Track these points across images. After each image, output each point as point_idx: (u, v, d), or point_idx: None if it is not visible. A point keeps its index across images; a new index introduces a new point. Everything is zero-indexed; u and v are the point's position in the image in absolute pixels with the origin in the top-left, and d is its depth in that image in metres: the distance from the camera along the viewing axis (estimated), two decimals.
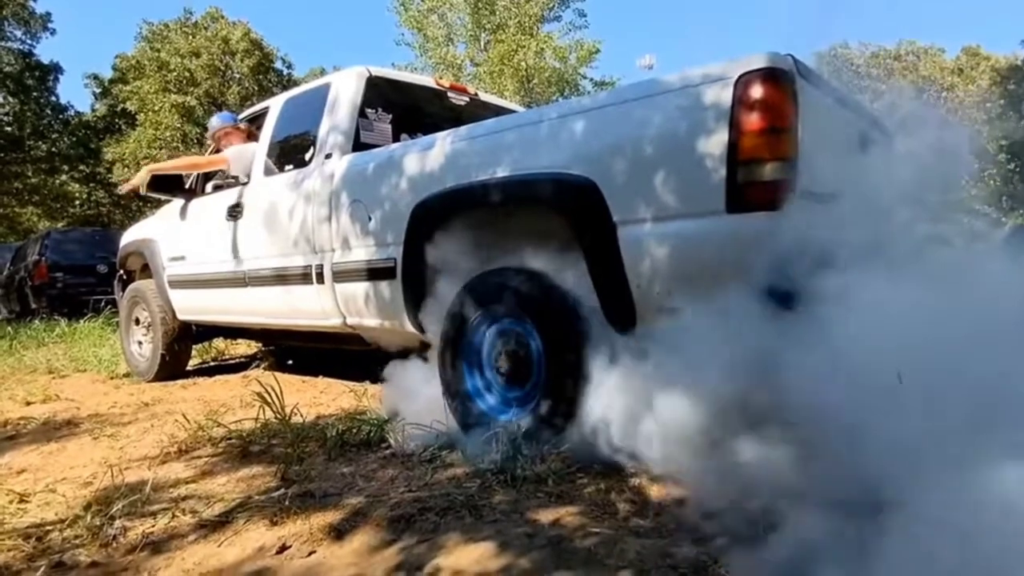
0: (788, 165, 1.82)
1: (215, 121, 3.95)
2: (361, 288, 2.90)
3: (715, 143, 1.84)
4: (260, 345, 5.19)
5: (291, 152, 3.54)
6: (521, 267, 2.32)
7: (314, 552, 1.51)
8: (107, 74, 25.70)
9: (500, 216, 2.46)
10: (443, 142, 2.59)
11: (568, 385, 2.10)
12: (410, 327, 2.75)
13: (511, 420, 2.25)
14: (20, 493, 2.02)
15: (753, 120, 1.80)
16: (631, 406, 1.96)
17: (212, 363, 5.26)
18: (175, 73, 21.45)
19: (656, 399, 1.90)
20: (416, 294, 2.66)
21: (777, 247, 1.74)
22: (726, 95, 1.84)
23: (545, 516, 1.62)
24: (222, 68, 22.69)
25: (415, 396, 2.60)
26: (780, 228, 1.76)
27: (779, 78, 1.82)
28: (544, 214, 2.27)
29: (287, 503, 1.78)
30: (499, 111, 3.71)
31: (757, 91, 1.80)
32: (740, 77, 1.83)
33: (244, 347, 5.73)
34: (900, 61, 29.51)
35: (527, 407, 2.27)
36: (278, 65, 25.10)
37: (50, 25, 24.06)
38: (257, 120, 3.92)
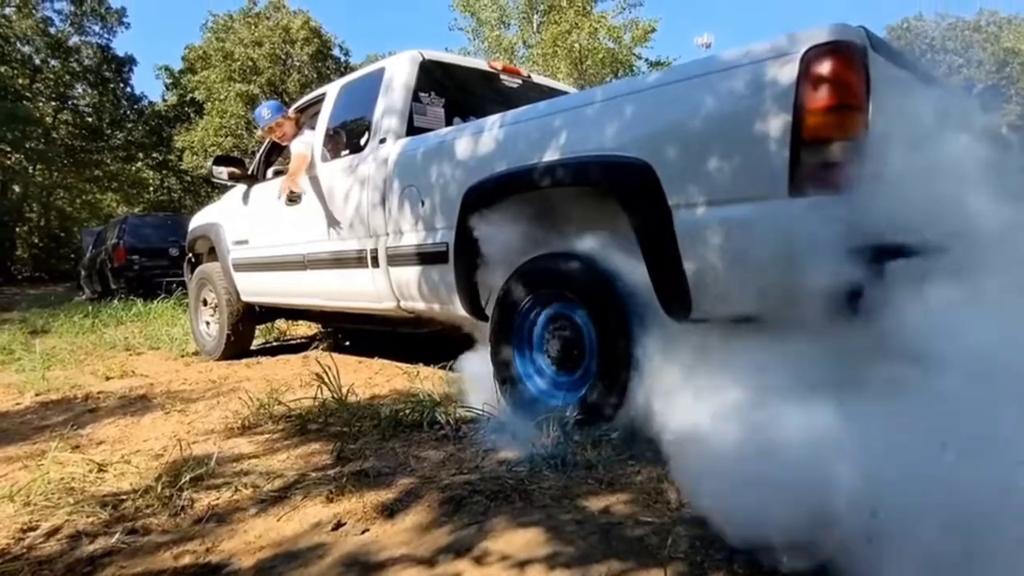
0: (857, 146, 1.72)
1: (265, 113, 3.97)
2: (414, 272, 2.93)
3: (777, 122, 1.76)
4: (319, 327, 5.35)
5: (347, 137, 3.60)
6: (573, 252, 2.30)
7: (367, 530, 1.55)
8: (177, 65, 26.89)
9: (552, 200, 2.44)
10: (494, 126, 2.57)
11: (620, 372, 2.07)
12: (462, 311, 2.77)
13: (561, 405, 2.25)
14: (99, 463, 2.15)
15: (819, 98, 1.71)
16: (684, 395, 1.91)
17: (274, 343, 5.47)
18: (239, 63, 22.16)
19: (710, 389, 1.86)
20: (468, 278, 2.67)
21: (844, 234, 1.65)
22: (790, 71, 1.75)
23: (595, 503, 1.61)
24: (283, 57, 23.28)
25: (466, 379, 2.62)
26: (847, 213, 1.67)
27: (849, 52, 1.71)
28: (597, 198, 2.23)
29: (343, 481, 1.83)
30: (552, 93, 3.66)
31: (824, 67, 1.70)
32: (806, 52, 1.73)
33: (304, 328, 5.92)
34: (980, 32, 27.50)
35: (578, 392, 2.26)
36: (336, 52, 25.59)
37: (125, 19, 25.40)
38: (313, 107, 4.01)
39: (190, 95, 24.76)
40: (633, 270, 2.14)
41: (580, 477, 1.79)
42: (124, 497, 1.83)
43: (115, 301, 8.96)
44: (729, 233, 1.88)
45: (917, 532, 1.10)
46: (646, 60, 20.28)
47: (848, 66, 1.71)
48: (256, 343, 5.02)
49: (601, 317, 2.16)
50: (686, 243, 1.95)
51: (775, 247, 1.80)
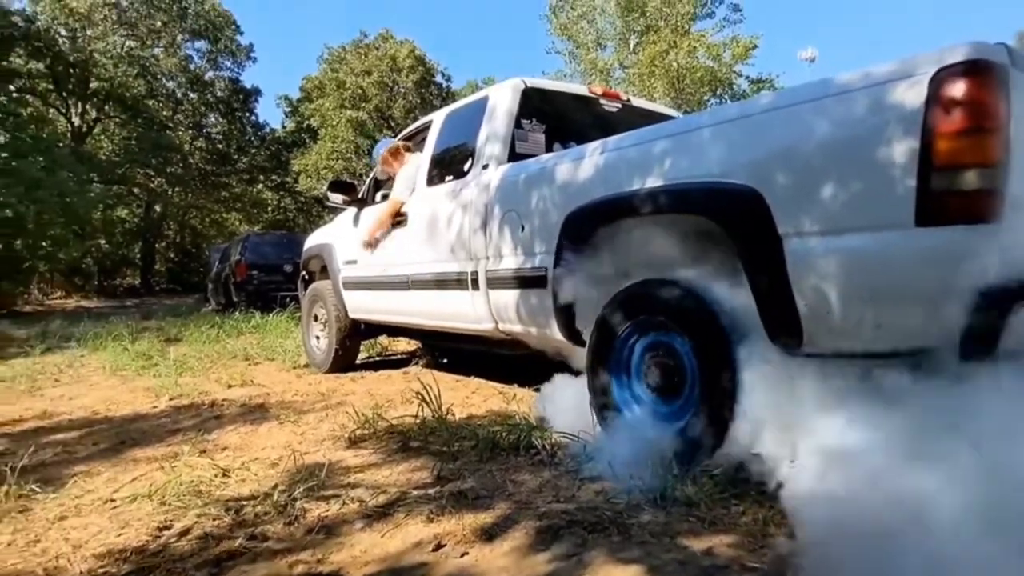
0: (996, 172, 1.58)
1: (379, 149, 4.47)
2: (513, 295, 2.98)
3: (903, 148, 1.64)
4: (418, 343, 5.54)
5: (451, 163, 3.74)
6: (674, 279, 2.25)
7: (467, 553, 1.58)
8: (295, 94, 29.15)
9: (653, 227, 2.41)
10: (595, 152, 2.58)
11: (723, 405, 2.00)
12: (559, 335, 2.78)
13: (660, 436, 2.19)
14: (223, 468, 2.34)
15: (952, 121, 1.58)
16: (793, 432, 1.82)
17: (377, 358, 5.72)
18: (350, 91, 23.70)
19: (821, 426, 1.75)
20: (566, 303, 2.68)
21: (978, 268, 1.52)
22: (917, 94, 1.64)
23: (697, 543, 1.56)
24: (390, 84, 24.62)
25: (564, 404, 2.62)
26: (983, 245, 1.53)
27: (986, 73, 1.58)
28: (702, 225, 2.18)
29: (443, 501, 1.88)
30: (652, 116, 3.63)
31: (958, 89, 1.57)
32: (936, 73, 1.62)
33: (403, 344, 6.16)
34: None
35: (677, 423, 2.20)
36: (438, 79, 26.74)
37: (252, 55, 27.84)
38: (420, 134, 4.21)
39: (306, 122, 26.74)
40: (739, 300, 2.06)
41: (680, 514, 1.74)
42: (245, 503, 1.98)
43: (237, 313, 9.73)
44: (845, 264, 1.77)
45: None
46: (747, 77, 19.65)
47: (985, 88, 1.58)
48: (360, 357, 5.27)
49: (703, 347, 2.10)
50: (797, 274, 1.86)
51: (898, 280, 1.69)
